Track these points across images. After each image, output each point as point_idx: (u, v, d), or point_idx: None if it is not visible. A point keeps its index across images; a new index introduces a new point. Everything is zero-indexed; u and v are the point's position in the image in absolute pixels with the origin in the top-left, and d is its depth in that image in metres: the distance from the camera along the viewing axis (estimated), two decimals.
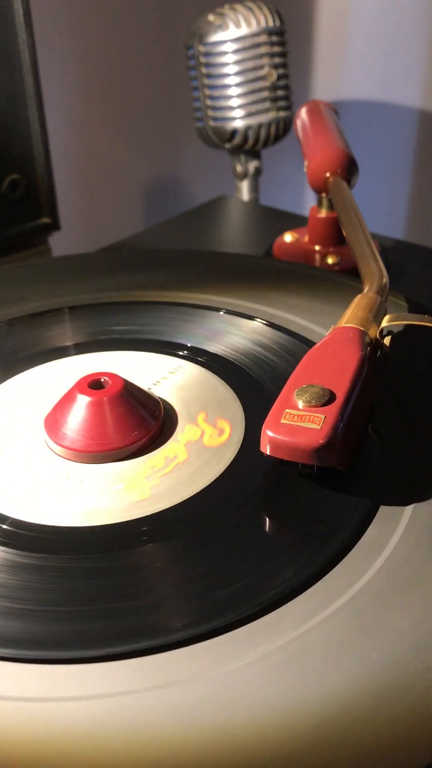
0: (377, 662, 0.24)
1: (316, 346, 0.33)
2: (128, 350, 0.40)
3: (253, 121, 0.73)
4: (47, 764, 0.21)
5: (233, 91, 0.72)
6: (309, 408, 0.29)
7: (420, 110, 0.97)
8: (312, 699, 0.23)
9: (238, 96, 0.72)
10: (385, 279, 0.38)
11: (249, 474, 0.31)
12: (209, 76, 0.73)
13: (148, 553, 0.28)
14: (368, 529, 0.29)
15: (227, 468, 0.32)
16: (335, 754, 0.21)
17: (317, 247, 0.55)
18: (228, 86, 0.72)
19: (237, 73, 0.72)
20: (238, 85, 0.72)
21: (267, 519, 0.30)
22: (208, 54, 0.72)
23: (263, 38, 0.71)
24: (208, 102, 0.74)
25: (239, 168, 0.79)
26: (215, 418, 0.35)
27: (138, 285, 0.46)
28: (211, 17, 0.71)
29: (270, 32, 0.71)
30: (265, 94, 0.73)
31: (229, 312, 0.43)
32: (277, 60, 0.73)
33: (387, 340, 0.34)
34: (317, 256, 0.55)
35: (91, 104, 0.86)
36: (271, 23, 0.71)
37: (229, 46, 0.71)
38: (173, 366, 0.39)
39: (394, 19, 0.94)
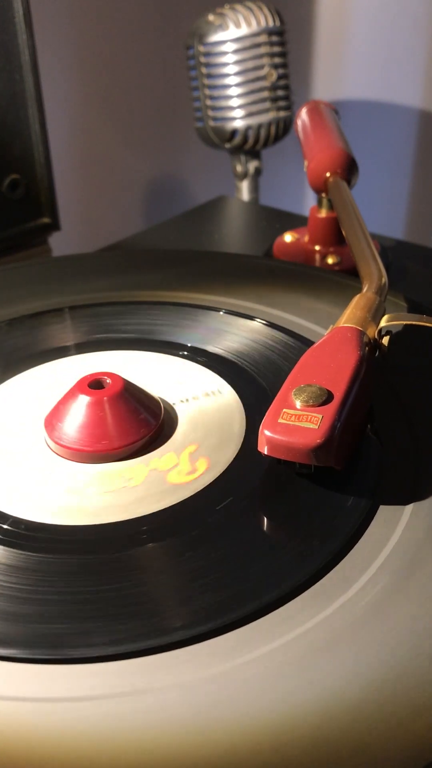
0: (377, 661, 0.24)
1: (315, 345, 0.33)
2: (128, 350, 0.40)
3: (253, 121, 0.74)
4: (46, 765, 0.22)
5: (233, 91, 0.72)
6: (307, 408, 0.29)
7: (420, 110, 0.97)
8: (312, 698, 0.23)
9: (238, 96, 0.72)
10: (384, 279, 0.38)
11: (248, 474, 0.32)
12: (209, 76, 0.73)
13: (148, 553, 0.28)
14: (368, 529, 0.29)
15: (226, 468, 0.32)
16: (335, 754, 0.21)
17: (317, 247, 0.55)
18: (228, 86, 0.72)
19: (237, 73, 0.72)
20: (238, 85, 0.72)
21: (266, 519, 0.30)
22: (208, 54, 0.72)
23: (263, 38, 0.71)
24: (208, 102, 0.74)
25: (239, 168, 0.79)
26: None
27: (138, 285, 0.46)
28: (211, 17, 0.72)
29: (270, 32, 0.71)
30: (265, 94, 0.73)
31: (229, 312, 0.43)
32: (277, 60, 0.73)
33: (385, 340, 0.34)
34: (317, 256, 0.55)
35: (91, 104, 0.86)
36: (271, 23, 0.71)
37: (229, 46, 0.71)
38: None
39: (393, 19, 0.94)
